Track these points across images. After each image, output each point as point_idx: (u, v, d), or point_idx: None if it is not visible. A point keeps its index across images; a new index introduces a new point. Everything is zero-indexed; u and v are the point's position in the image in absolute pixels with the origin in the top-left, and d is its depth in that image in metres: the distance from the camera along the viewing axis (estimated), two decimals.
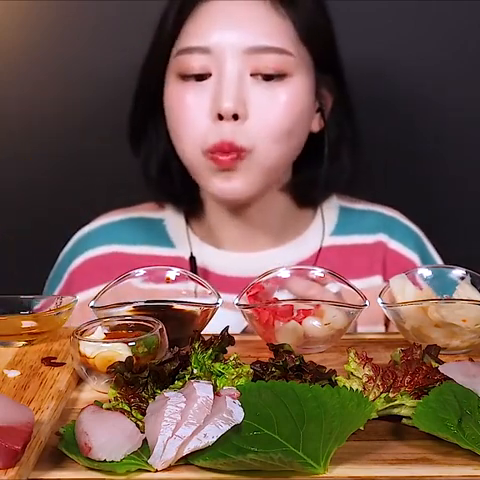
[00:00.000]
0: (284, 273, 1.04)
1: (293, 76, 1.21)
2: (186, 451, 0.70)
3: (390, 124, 1.56)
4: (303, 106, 1.23)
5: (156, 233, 1.35)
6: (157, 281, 1.05)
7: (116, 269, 1.11)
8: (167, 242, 1.34)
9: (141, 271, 1.05)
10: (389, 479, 0.70)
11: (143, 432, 0.73)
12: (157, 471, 0.70)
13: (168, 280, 1.05)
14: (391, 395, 0.78)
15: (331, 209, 1.37)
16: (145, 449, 0.72)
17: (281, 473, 0.69)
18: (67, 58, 1.55)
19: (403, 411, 0.78)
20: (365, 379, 0.80)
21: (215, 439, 0.70)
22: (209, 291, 1.01)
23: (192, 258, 1.31)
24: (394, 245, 1.34)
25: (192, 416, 0.71)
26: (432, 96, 1.57)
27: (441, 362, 0.83)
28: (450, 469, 0.71)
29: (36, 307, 1.00)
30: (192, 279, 1.04)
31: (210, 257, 1.32)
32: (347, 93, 1.31)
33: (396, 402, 0.78)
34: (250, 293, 0.99)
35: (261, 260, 1.29)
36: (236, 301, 0.98)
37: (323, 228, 1.35)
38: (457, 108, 1.57)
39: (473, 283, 1.00)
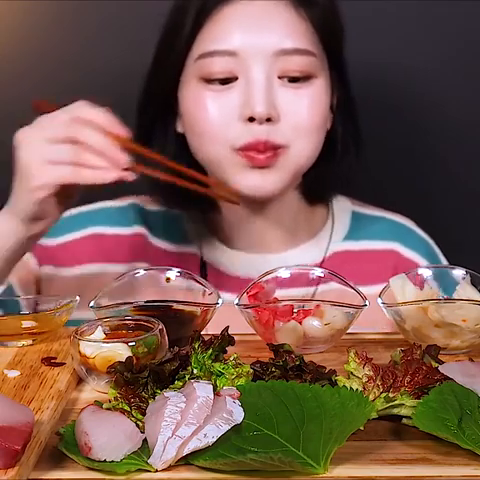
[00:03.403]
0: (284, 273, 1.04)
1: (317, 77, 1.22)
2: (186, 451, 0.70)
3: (388, 124, 1.56)
4: (326, 105, 1.25)
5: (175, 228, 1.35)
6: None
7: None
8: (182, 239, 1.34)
9: (141, 271, 1.06)
10: (389, 479, 0.70)
11: (143, 432, 0.73)
12: (157, 471, 0.70)
13: (168, 280, 1.05)
14: (391, 395, 0.78)
15: (343, 213, 1.37)
16: (145, 449, 0.72)
17: (281, 473, 0.69)
18: (67, 58, 1.55)
19: (403, 411, 0.78)
20: (365, 379, 0.80)
21: (215, 439, 0.70)
22: (209, 291, 1.01)
23: (201, 258, 1.30)
24: (409, 254, 1.34)
25: (192, 416, 0.71)
26: (431, 96, 1.57)
27: (441, 362, 0.83)
28: (450, 469, 0.71)
29: (36, 307, 1.00)
30: (193, 279, 1.04)
31: (222, 257, 1.31)
32: (350, 89, 1.31)
33: (396, 402, 0.78)
34: (250, 293, 0.99)
35: (274, 262, 1.27)
36: (236, 301, 0.98)
37: (335, 232, 1.34)
38: (458, 108, 1.57)
39: (473, 283, 1.00)
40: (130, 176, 1.08)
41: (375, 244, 1.35)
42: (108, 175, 1.06)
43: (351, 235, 1.35)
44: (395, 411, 0.78)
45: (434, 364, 0.82)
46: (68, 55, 1.55)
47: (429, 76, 1.56)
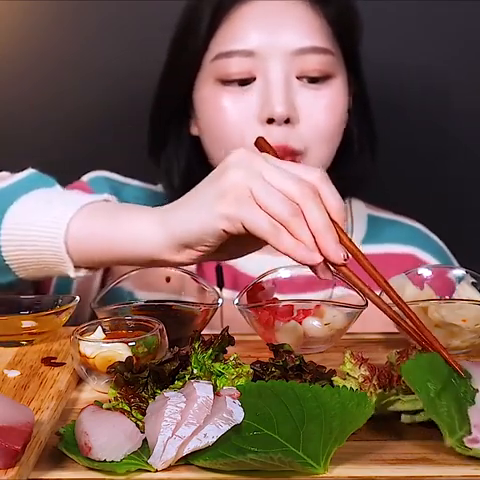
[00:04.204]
0: (284, 273, 1.04)
1: (336, 77, 1.21)
2: (186, 451, 0.70)
3: (390, 125, 1.56)
4: (344, 106, 1.24)
5: None
6: None
7: None
8: None
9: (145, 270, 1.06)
10: (389, 479, 0.70)
11: (143, 432, 0.73)
12: (157, 471, 0.70)
13: (168, 279, 1.05)
14: (387, 393, 0.78)
15: (360, 217, 1.36)
16: (145, 449, 0.72)
17: (281, 473, 0.69)
18: (67, 58, 1.56)
19: (400, 406, 0.78)
20: (361, 379, 0.80)
21: (215, 439, 0.70)
22: (209, 290, 1.01)
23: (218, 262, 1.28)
24: (426, 258, 1.33)
25: (192, 416, 0.71)
26: (434, 96, 1.57)
27: None
28: (450, 469, 0.71)
29: (36, 307, 1.00)
30: (192, 278, 1.04)
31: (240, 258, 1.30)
32: (366, 88, 1.30)
33: (392, 398, 0.78)
34: (250, 293, 0.99)
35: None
36: (236, 301, 0.98)
37: (353, 236, 1.32)
38: (461, 108, 1.57)
39: (473, 283, 1.00)
40: (329, 276, 0.87)
41: (393, 248, 1.34)
42: (313, 256, 0.84)
43: (369, 239, 1.34)
44: (392, 407, 0.78)
45: None
46: (68, 55, 1.55)
47: (432, 76, 1.56)
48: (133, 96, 1.42)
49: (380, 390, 0.78)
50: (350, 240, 0.87)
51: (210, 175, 0.91)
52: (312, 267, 0.85)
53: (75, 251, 0.99)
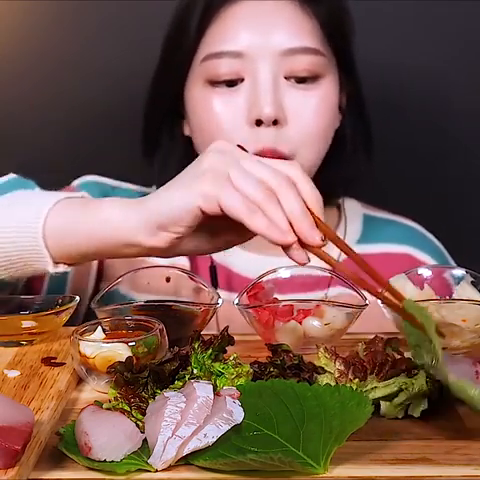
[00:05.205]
0: (284, 273, 1.04)
1: (325, 77, 1.21)
2: (186, 451, 0.70)
3: (390, 125, 1.57)
4: (334, 106, 1.23)
5: None
6: None
7: None
8: None
9: (144, 270, 1.06)
10: (389, 479, 0.70)
11: (143, 432, 0.73)
12: (157, 471, 0.70)
13: (168, 280, 1.05)
14: (363, 382, 0.80)
15: (355, 216, 1.36)
16: (145, 449, 0.72)
17: (281, 473, 0.69)
18: (67, 58, 1.55)
19: (377, 393, 0.79)
20: (337, 374, 0.81)
21: (215, 439, 0.70)
22: (208, 290, 1.01)
23: (212, 260, 1.28)
24: (423, 258, 1.33)
25: (192, 416, 0.71)
26: (434, 96, 1.57)
27: (402, 353, 0.84)
28: (450, 469, 0.71)
29: (36, 307, 1.00)
30: (191, 278, 1.04)
31: (233, 259, 1.29)
32: (360, 88, 1.30)
33: (368, 387, 0.79)
34: (250, 293, 0.99)
35: (287, 265, 1.26)
36: (236, 301, 0.98)
37: (348, 235, 1.33)
38: (461, 108, 1.57)
39: (473, 283, 1.00)
40: (303, 258, 0.86)
41: (389, 247, 1.34)
42: (286, 236, 0.84)
43: (364, 238, 1.34)
44: (371, 395, 0.78)
45: (396, 356, 0.84)
46: (68, 55, 1.55)
47: (432, 76, 1.56)
48: (133, 96, 1.41)
49: (356, 380, 0.79)
50: (327, 226, 0.87)
51: (191, 164, 0.91)
52: (285, 249, 0.85)
53: (53, 245, 0.97)
